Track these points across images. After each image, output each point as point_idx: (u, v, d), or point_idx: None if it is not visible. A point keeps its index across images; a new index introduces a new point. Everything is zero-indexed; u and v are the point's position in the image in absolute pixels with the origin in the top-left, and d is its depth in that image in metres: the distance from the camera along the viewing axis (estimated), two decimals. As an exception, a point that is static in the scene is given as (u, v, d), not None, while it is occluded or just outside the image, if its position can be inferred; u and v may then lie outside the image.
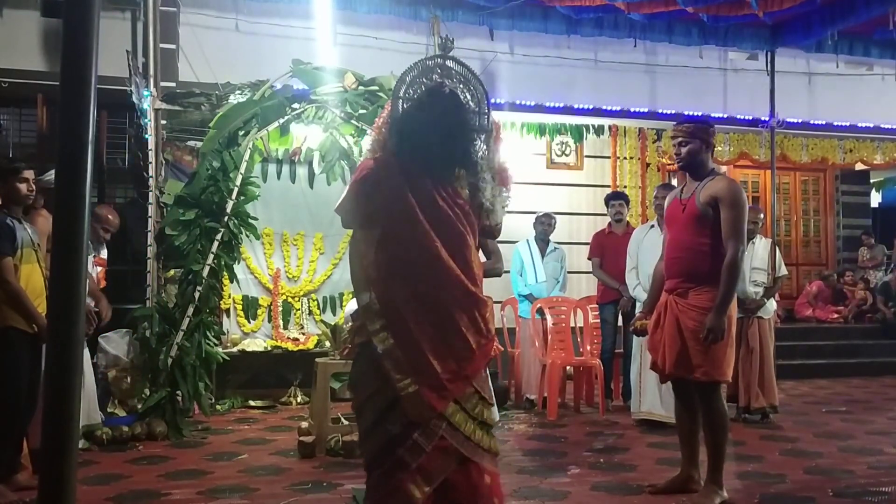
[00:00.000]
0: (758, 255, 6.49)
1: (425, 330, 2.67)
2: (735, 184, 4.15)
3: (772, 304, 6.55)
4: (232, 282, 6.75)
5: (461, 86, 2.97)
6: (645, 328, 4.31)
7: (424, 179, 2.75)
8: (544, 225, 7.45)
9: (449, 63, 3.02)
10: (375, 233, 2.73)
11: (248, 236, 6.41)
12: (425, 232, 2.71)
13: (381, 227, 2.73)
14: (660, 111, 9.66)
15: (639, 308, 5.34)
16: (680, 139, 4.15)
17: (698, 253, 3.99)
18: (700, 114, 9.81)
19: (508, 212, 3.01)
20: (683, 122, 4.26)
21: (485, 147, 2.91)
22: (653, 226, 6.30)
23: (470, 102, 2.94)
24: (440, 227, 2.73)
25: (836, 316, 10.91)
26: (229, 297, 7.50)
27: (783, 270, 6.60)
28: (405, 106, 2.87)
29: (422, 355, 2.65)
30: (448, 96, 2.88)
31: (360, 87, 6.51)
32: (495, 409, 3.12)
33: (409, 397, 2.62)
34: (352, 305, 6.11)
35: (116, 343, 6.12)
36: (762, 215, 7.05)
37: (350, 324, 2.86)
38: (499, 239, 3.14)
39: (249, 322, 7.65)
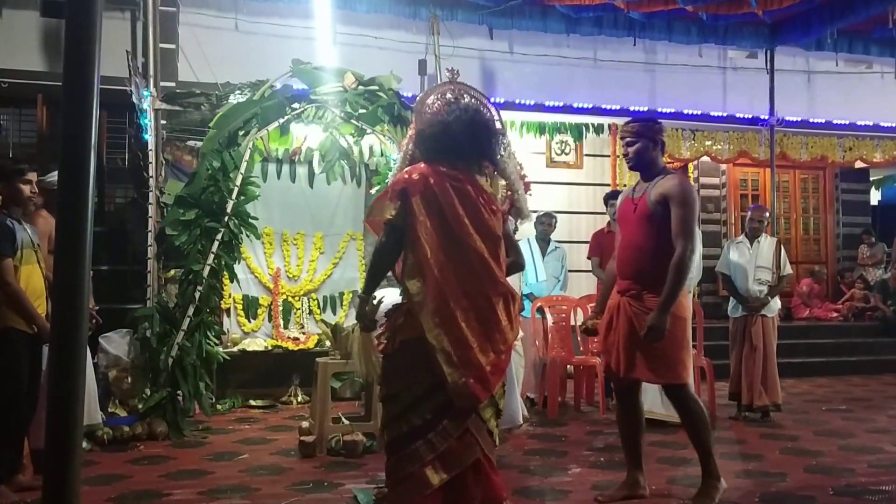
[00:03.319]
0: (762, 254, 6.49)
1: (472, 326, 2.91)
2: (686, 182, 4.05)
3: (776, 303, 6.56)
4: (232, 281, 6.74)
5: (473, 99, 3.41)
6: (595, 328, 4.23)
7: (466, 186, 2.99)
8: (545, 225, 7.44)
9: (460, 85, 3.51)
10: (424, 234, 2.92)
11: (248, 236, 6.41)
12: (472, 236, 2.94)
13: (434, 229, 2.93)
14: (659, 110, 9.66)
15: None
16: (627, 139, 4.07)
17: (650, 253, 3.92)
18: (699, 112, 9.85)
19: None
20: (630, 121, 4.17)
21: (504, 150, 3.29)
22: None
23: (482, 108, 3.34)
24: (483, 230, 2.98)
25: (835, 315, 10.91)
26: (229, 296, 7.50)
27: (788, 269, 6.61)
28: (428, 116, 3.21)
29: (470, 350, 2.88)
30: (468, 102, 3.28)
31: (360, 87, 6.51)
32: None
33: (459, 388, 2.85)
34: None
35: (117, 343, 6.12)
36: (767, 214, 7.05)
37: (384, 321, 3.06)
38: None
39: (250, 322, 7.65)
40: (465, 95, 3.47)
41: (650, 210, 3.93)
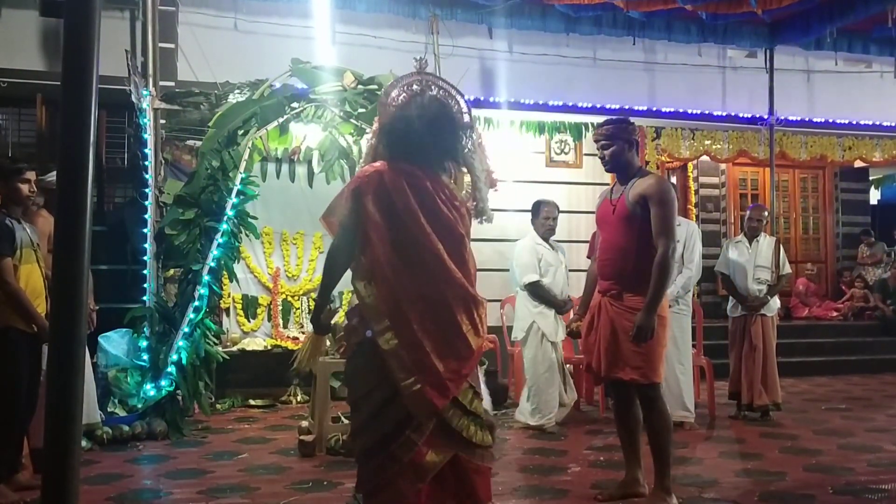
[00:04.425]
0: (762, 254, 6.50)
1: (428, 330, 2.77)
2: (663, 181, 4.07)
3: (775, 302, 6.56)
4: (231, 281, 6.75)
5: (441, 91, 3.19)
6: (579, 330, 4.22)
7: (424, 182, 2.86)
8: (544, 223, 7.41)
9: (427, 76, 3.29)
10: (376, 234, 2.80)
11: (247, 235, 6.41)
12: (428, 234, 2.80)
13: (387, 229, 2.80)
14: (659, 109, 9.66)
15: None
16: (601, 142, 4.06)
17: (631, 254, 3.92)
18: (699, 111, 9.84)
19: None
20: (603, 123, 4.15)
21: (471, 144, 3.07)
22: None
23: (450, 100, 3.16)
24: (441, 229, 2.84)
25: (835, 314, 10.91)
26: (229, 296, 7.50)
27: (787, 268, 6.62)
28: (392, 110, 3.04)
29: (425, 355, 2.74)
30: (431, 95, 3.09)
31: (359, 86, 6.50)
32: (488, 400, 3.24)
33: (413, 395, 2.72)
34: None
35: (116, 343, 6.12)
36: (766, 213, 7.05)
37: (345, 322, 2.96)
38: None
39: (249, 321, 7.65)
40: (432, 87, 3.17)
41: (629, 211, 3.93)
